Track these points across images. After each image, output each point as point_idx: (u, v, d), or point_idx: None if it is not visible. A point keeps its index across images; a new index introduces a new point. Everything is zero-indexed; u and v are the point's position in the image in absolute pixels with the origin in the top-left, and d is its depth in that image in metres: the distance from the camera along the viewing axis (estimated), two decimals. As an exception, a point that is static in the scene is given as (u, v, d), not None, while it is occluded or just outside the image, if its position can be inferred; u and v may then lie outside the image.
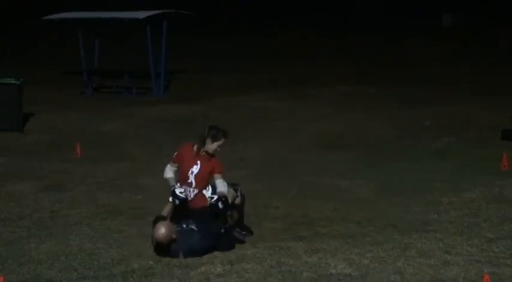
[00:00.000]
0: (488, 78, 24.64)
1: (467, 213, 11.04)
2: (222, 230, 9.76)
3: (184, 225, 9.58)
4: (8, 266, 9.27)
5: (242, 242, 9.95)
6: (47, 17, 25.11)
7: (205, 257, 9.36)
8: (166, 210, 9.88)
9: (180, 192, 9.79)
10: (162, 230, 9.37)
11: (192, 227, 9.58)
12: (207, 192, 9.90)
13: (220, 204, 9.78)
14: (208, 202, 9.84)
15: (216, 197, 9.81)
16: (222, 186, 9.87)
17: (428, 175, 13.39)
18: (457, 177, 13.16)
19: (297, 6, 49.41)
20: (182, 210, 9.83)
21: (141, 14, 23.87)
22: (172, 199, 9.83)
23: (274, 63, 29.45)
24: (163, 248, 9.44)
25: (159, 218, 9.67)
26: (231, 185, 10.19)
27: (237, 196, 10.17)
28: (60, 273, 9.03)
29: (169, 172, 10.06)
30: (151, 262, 9.27)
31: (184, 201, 9.82)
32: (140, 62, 24.82)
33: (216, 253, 9.46)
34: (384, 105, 20.46)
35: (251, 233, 10.22)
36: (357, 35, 38.28)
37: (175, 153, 10.04)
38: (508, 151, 14.24)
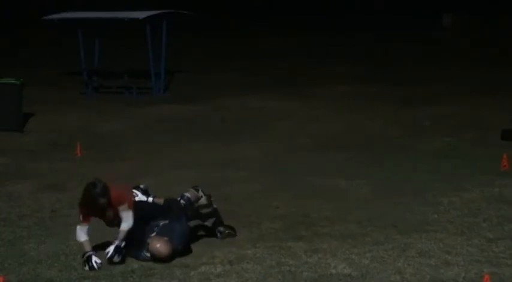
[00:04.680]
0: (488, 78, 24.62)
1: (467, 213, 11.04)
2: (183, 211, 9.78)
3: (156, 228, 9.49)
4: (8, 266, 9.28)
5: (233, 235, 10.02)
6: (47, 17, 25.08)
7: (205, 257, 9.36)
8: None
9: (96, 262, 9.10)
10: (157, 245, 9.20)
11: (163, 222, 9.55)
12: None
13: (182, 201, 9.92)
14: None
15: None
16: (125, 220, 9.26)
17: (428, 175, 13.37)
18: (457, 177, 13.14)
19: (297, 7, 49.42)
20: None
21: (141, 14, 23.85)
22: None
23: (274, 63, 29.41)
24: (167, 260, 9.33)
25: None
26: (192, 188, 10.22)
27: (201, 196, 10.15)
28: (60, 273, 9.04)
29: (82, 234, 9.26)
30: (151, 262, 9.27)
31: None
32: (140, 62, 24.80)
33: (216, 253, 9.47)
34: (383, 105, 20.45)
35: (234, 231, 10.20)
36: (356, 35, 38.25)
37: (82, 215, 9.28)
38: (508, 151, 14.21)
